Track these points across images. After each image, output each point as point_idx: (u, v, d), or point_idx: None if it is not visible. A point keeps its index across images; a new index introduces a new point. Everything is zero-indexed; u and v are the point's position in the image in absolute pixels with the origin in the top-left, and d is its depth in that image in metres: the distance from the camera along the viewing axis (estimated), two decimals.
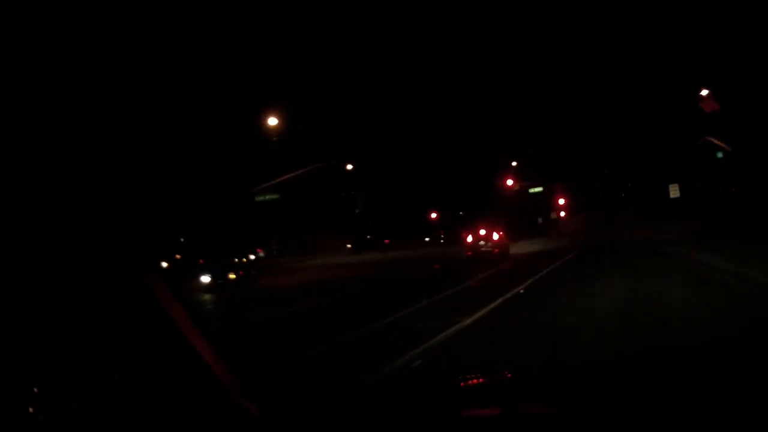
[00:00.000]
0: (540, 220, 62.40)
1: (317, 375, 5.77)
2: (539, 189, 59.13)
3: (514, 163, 59.51)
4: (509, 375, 2.44)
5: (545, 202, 61.25)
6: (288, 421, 1.65)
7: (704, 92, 36.33)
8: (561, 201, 60.90)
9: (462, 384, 2.29)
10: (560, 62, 57.65)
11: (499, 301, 10.56)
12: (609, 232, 38.12)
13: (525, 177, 58.83)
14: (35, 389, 1.25)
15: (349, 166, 58.13)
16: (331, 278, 20.80)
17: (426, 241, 54.77)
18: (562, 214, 61.26)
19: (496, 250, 24.23)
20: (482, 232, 24.96)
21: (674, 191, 29.10)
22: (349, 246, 47.63)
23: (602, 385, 1.98)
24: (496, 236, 24.73)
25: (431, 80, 55.53)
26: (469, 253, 24.88)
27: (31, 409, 1.24)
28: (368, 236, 50.55)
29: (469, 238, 25.29)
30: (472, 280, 15.77)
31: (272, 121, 34.52)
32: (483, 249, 24.39)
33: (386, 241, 48.49)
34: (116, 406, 1.32)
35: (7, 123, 1.23)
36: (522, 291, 12.30)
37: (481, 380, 2.39)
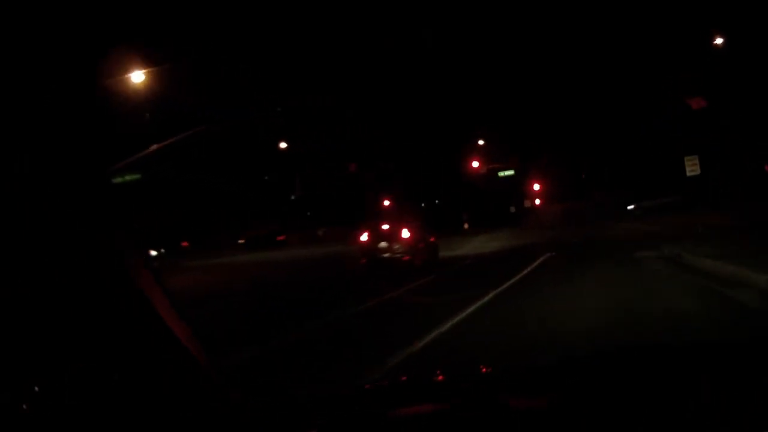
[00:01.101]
0: (513, 209, 53.06)
1: None
2: (510, 172, 49.67)
3: (480, 142, 49.86)
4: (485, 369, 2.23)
5: (518, 188, 51.88)
6: (271, 405, 1.66)
7: (719, 41, 28.13)
8: (536, 187, 51.46)
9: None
10: (559, 63, 52.27)
11: None
12: (596, 225, 29.12)
13: (494, 158, 49.29)
14: (35, 389, 1.26)
15: (283, 144, 48.54)
16: None
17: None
18: (537, 201, 51.80)
19: (406, 257, 14.53)
20: (385, 227, 15.28)
21: (692, 167, 19.52)
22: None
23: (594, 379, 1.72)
24: (406, 234, 14.93)
25: (426, 76, 51.77)
26: (363, 261, 15.29)
27: (31, 409, 1.24)
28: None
29: (364, 237, 15.58)
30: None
31: (137, 77, 24.93)
32: (385, 255, 14.70)
33: (280, 237, 38.72)
34: (114, 401, 1.32)
35: (7, 123, 1.22)
36: None
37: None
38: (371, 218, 18.53)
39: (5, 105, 1.20)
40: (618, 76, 43.13)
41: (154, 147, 27.94)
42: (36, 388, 1.24)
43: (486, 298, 8.71)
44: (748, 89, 28.85)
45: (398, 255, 14.66)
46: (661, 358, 1.84)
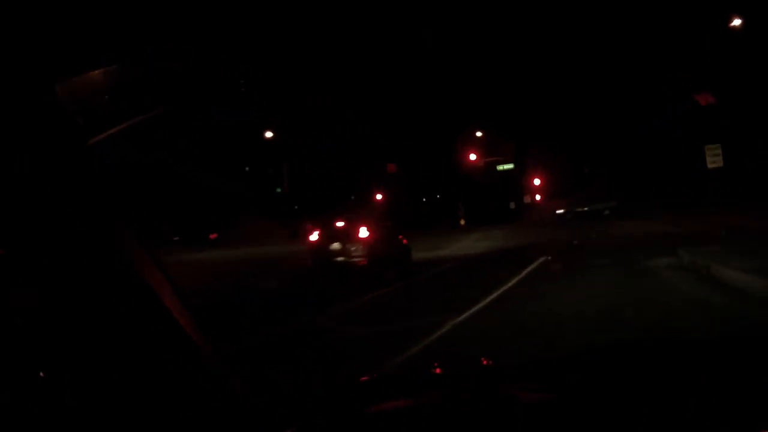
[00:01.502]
0: (512, 205, 50.39)
1: None
2: (510, 166, 46.95)
3: (479, 134, 47.10)
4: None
5: (518, 183, 49.18)
6: (272, 396, 1.60)
7: (737, 22, 26.07)
8: (536, 182, 48.74)
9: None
10: (559, 62, 50.66)
11: None
12: (597, 223, 26.73)
13: (492, 151, 46.55)
14: (35, 387, 1.24)
15: (269, 134, 46.02)
16: None
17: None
18: (538, 197, 49.11)
19: (363, 261, 11.87)
20: (340, 224, 12.68)
21: (714, 157, 16.78)
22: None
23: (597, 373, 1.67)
24: (364, 233, 12.25)
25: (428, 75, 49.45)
26: (309, 263, 12.81)
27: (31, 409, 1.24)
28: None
29: (314, 236, 12.99)
30: None
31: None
32: (338, 259, 12.08)
33: (213, 235, 34.96)
34: (117, 395, 1.29)
35: (7, 123, 1.20)
36: None
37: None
38: (345, 212, 15.77)
39: (5, 105, 1.17)
40: (618, 75, 42.54)
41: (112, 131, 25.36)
42: (41, 373, 1.21)
43: (436, 333, 6.05)
44: (748, 89, 27.61)
45: (354, 258, 12.04)
46: (661, 355, 1.75)
